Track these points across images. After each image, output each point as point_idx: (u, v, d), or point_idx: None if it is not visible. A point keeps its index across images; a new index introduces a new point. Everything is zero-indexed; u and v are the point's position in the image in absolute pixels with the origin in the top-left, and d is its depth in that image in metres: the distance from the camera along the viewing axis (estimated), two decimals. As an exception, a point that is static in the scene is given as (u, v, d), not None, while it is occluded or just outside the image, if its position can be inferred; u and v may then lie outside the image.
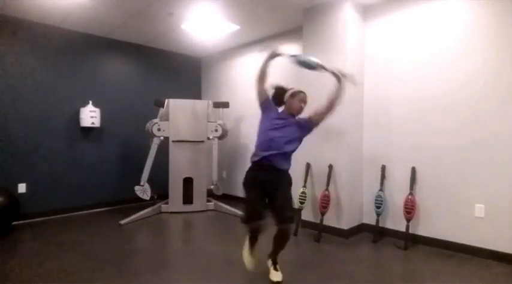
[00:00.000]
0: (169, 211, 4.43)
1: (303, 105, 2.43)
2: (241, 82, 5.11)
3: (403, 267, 2.73)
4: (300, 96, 2.43)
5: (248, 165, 2.42)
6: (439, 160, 3.06)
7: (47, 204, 4.17)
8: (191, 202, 4.50)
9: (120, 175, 4.83)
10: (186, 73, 5.70)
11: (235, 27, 4.22)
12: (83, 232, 3.62)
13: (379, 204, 3.29)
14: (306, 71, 2.51)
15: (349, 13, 3.37)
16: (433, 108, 3.11)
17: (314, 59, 2.43)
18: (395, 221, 3.31)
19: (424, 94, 3.16)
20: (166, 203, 4.51)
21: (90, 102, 4.42)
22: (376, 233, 3.29)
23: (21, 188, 3.99)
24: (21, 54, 3.99)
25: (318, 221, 3.39)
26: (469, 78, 2.91)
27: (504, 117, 2.73)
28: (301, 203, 3.52)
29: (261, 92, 2.41)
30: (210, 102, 4.66)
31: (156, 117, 4.49)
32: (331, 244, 3.20)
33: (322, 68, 2.42)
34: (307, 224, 3.60)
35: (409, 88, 3.26)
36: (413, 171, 3.19)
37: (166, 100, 4.47)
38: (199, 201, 4.54)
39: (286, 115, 2.43)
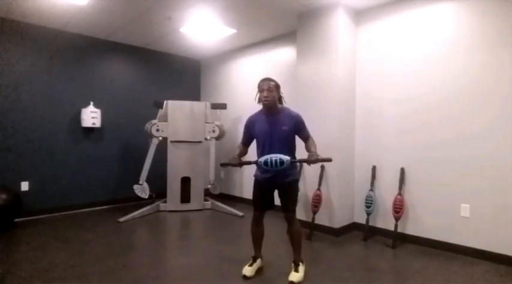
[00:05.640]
0: (167, 209, 4.53)
1: (265, 93, 2.35)
2: (239, 84, 5.22)
3: (390, 264, 2.82)
4: (260, 87, 2.40)
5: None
6: (427, 161, 3.15)
7: (49, 201, 4.29)
8: (189, 201, 4.60)
9: (120, 174, 4.94)
10: (186, 75, 5.81)
11: (232, 31, 4.33)
12: (83, 229, 3.73)
13: (369, 204, 3.38)
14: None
15: (341, 18, 3.47)
16: (421, 110, 3.19)
17: (282, 157, 2.25)
18: (385, 221, 3.41)
19: (412, 94, 3.26)
20: (165, 202, 4.61)
21: (91, 103, 4.55)
22: (366, 232, 3.38)
23: (24, 186, 4.11)
24: (25, 57, 4.11)
25: (310, 220, 3.49)
26: (453, 77, 3.01)
27: (485, 118, 2.82)
28: (294, 202, 3.61)
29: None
30: (208, 104, 4.76)
31: (155, 118, 4.61)
32: (322, 242, 3.29)
33: (300, 161, 2.36)
34: (300, 222, 3.68)
35: (399, 89, 3.36)
36: (402, 171, 3.28)
37: (165, 102, 4.58)
38: (197, 200, 4.64)
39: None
